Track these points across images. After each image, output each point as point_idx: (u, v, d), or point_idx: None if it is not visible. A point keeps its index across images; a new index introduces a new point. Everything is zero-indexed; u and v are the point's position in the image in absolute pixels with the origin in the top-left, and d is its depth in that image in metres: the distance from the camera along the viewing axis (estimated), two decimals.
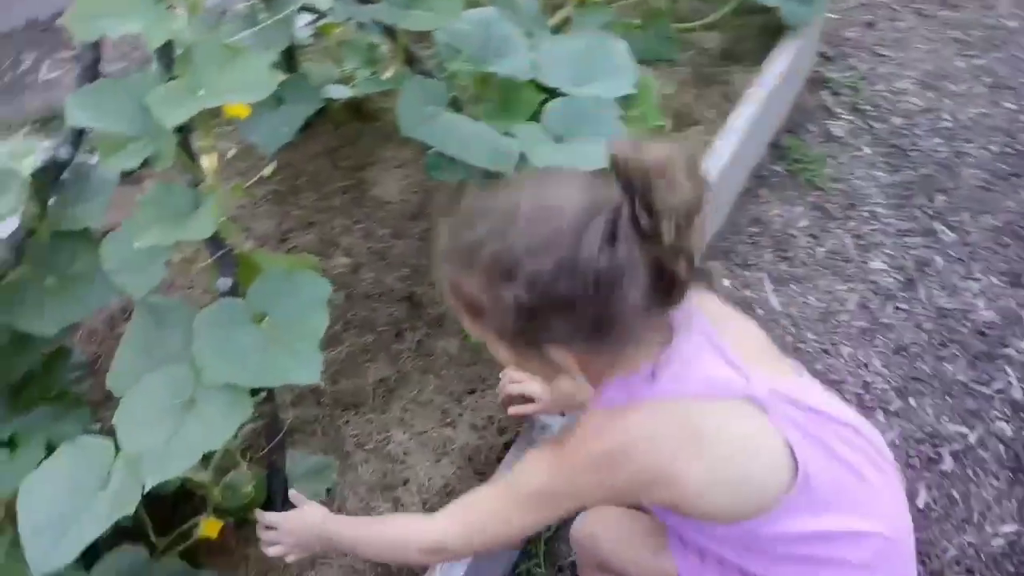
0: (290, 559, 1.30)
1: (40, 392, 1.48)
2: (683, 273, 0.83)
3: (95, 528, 1.10)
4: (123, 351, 1.33)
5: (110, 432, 1.54)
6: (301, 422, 1.67)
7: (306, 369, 1.18)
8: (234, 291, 1.32)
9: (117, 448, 1.17)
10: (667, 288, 0.84)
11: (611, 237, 0.80)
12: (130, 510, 1.09)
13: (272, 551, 1.31)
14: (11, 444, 1.36)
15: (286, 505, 1.52)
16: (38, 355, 1.51)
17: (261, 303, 1.25)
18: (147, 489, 1.10)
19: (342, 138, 2.27)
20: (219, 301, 1.25)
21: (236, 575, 1.45)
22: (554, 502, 0.99)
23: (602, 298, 0.82)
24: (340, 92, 2.01)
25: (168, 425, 1.16)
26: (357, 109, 2.28)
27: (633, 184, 0.79)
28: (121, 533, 1.45)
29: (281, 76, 1.11)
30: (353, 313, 1.88)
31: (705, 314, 0.95)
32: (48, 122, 2.61)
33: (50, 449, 1.37)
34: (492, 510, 1.05)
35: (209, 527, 1.35)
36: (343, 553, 1.42)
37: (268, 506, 1.49)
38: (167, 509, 1.50)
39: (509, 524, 1.03)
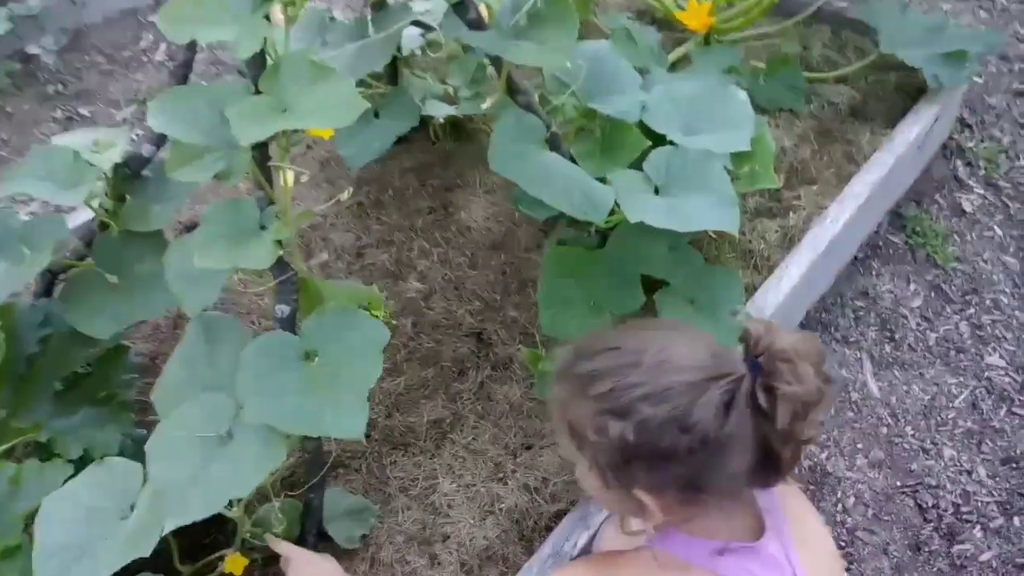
0: None
1: (89, 392, 1.44)
2: (787, 459, 0.86)
3: (109, 564, 1.03)
4: (172, 365, 1.27)
5: None
6: (346, 455, 1.59)
7: (349, 422, 1.09)
8: (291, 320, 1.25)
9: (146, 476, 1.11)
10: (768, 469, 0.87)
11: (727, 405, 0.83)
12: (145, 551, 1.02)
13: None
14: (47, 448, 1.32)
15: (319, 546, 1.44)
16: (93, 351, 1.47)
17: (314, 340, 1.16)
18: (166, 531, 1.02)
19: (435, 155, 2.19)
20: (271, 333, 1.17)
21: None
22: None
23: (703, 460, 0.85)
24: (440, 110, 1.93)
25: (197, 459, 1.09)
26: (455, 127, 2.20)
27: (759, 363, 0.84)
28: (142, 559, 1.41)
29: (366, 104, 1.02)
30: (418, 343, 1.79)
31: (787, 510, 0.96)
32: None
33: (85, 459, 1.33)
34: None
35: (233, 564, 1.28)
36: None
37: (299, 545, 1.41)
38: (198, 532, 1.44)
39: None
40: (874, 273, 2.26)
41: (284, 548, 1.26)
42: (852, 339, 2.10)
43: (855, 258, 2.28)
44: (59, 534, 1.08)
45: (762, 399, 0.83)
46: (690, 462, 0.85)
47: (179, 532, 1.41)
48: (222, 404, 1.16)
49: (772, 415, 0.82)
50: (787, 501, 1.00)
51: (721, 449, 0.84)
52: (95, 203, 1.44)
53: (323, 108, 1.06)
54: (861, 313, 2.17)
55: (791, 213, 2.02)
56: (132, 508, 1.11)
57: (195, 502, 1.05)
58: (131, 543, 1.04)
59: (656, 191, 1.54)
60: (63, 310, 1.37)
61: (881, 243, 2.33)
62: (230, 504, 1.28)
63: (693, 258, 1.71)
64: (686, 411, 0.83)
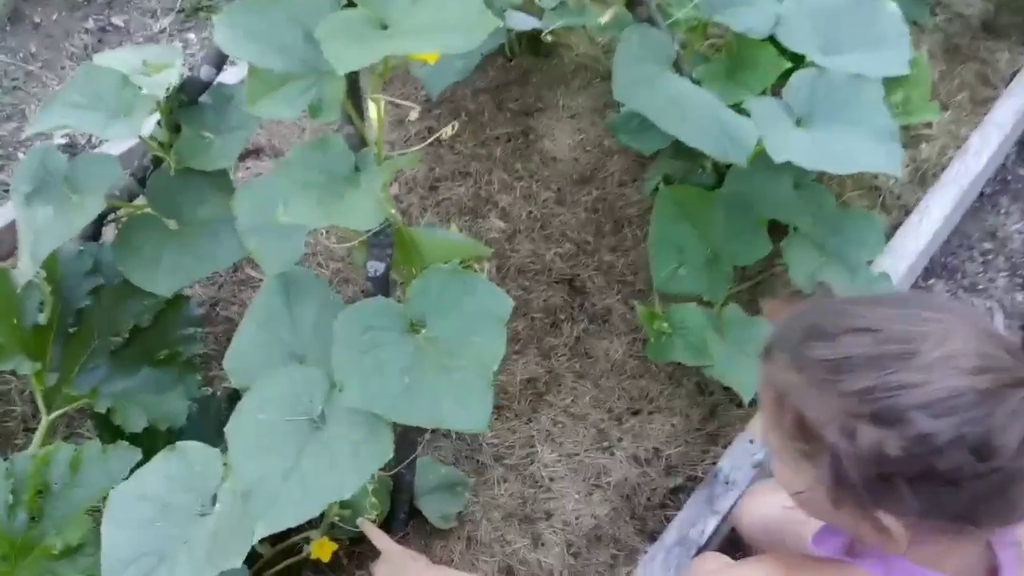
0: None
1: (148, 351, 1.28)
2: None
3: (194, 574, 0.88)
4: (247, 327, 1.10)
5: (224, 395, 1.34)
6: None
7: (471, 412, 0.91)
8: (385, 279, 1.06)
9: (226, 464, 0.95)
10: None
11: (1021, 413, 0.64)
12: (236, 561, 0.86)
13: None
14: (105, 420, 1.16)
15: (410, 524, 1.29)
16: (150, 303, 1.30)
17: (420, 308, 0.97)
18: (255, 539, 0.86)
19: (511, 74, 1.95)
20: (367, 300, 0.98)
21: None
22: None
23: (989, 489, 0.65)
24: (525, 22, 1.67)
25: (289, 451, 0.92)
26: (532, 41, 1.95)
27: None
28: None
29: (497, 22, 0.80)
30: (504, 290, 1.59)
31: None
32: (196, 12, 2.37)
33: (151, 432, 1.18)
34: None
35: (321, 549, 1.13)
36: None
37: (389, 523, 1.26)
38: None
39: None
40: (1002, 211, 2.01)
41: (378, 539, 1.11)
42: (981, 286, 1.88)
43: (981, 194, 2.03)
44: (132, 536, 0.92)
45: None
46: (971, 490, 0.65)
47: None
48: (314, 380, 0.98)
49: None
50: None
51: (1017, 477, 0.65)
52: (145, 134, 1.23)
53: (440, 26, 0.84)
54: (989, 257, 1.93)
55: (922, 144, 1.77)
56: (213, 502, 0.95)
57: (288, 503, 0.89)
58: (220, 551, 0.88)
59: (797, 123, 1.30)
60: (117, 261, 1.19)
61: (1009, 177, 2.07)
62: None
63: (823, 198, 1.49)
64: (984, 430, 0.63)
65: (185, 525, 0.93)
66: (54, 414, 1.23)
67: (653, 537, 1.31)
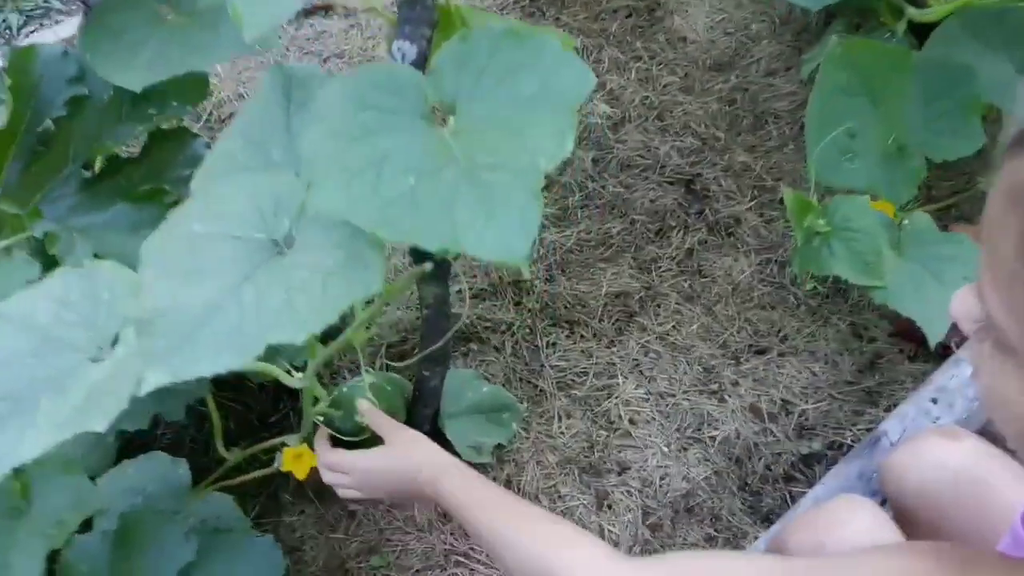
0: (366, 495, 0.73)
1: (129, 183, 0.99)
2: None
3: (42, 437, 0.56)
4: (229, 137, 0.78)
5: None
6: (483, 324, 1.07)
7: (502, 230, 0.55)
8: (418, 67, 0.71)
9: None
10: None
11: None
12: (99, 423, 0.54)
13: (343, 493, 0.73)
14: (43, 249, 0.87)
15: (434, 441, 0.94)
16: (141, 128, 1.01)
17: (450, 85, 0.62)
18: (144, 391, 0.54)
19: None
20: (374, 67, 0.65)
21: (320, 543, 0.90)
22: None
23: None
24: None
25: (229, 276, 0.59)
26: None
27: None
28: (177, 427, 0.96)
29: None
30: (599, 186, 1.23)
31: None
32: None
33: None
34: None
35: (294, 461, 0.80)
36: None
37: None
38: (261, 404, 0.98)
39: None
40: None
41: (375, 419, 0.75)
42: None
43: None
44: None
45: None
46: None
47: (232, 402, 0.96)
48: (284, 187, 0.66)
49: None
50: None
51: None
52: None
53: None
54: None
55: None
56: (115, 343, 0.63)
57: (206, 345, 0.56)
58: (84, 407, 0.56)
59: None
60: (85, 45, 0.90)
61: None
62: (295, 367, 0.79)
63: None
64: None
65: (66, 369, 0.62)
66: (1, 243, 0.95)
67: (769, 520, 0.91)
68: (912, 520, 0.69)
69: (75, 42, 1.22)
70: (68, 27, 1.42)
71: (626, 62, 1.39)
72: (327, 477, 0.74)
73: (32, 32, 1.47)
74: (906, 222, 0.98)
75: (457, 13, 0.76)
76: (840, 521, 0.63)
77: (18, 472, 0.76)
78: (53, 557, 0.67)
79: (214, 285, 0.59)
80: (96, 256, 0.88)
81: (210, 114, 1.30)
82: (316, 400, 0.81)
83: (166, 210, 0.96)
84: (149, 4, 0.94)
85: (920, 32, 1.12)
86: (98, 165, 1.03)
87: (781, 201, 1.20)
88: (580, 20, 1.46)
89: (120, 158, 1.03)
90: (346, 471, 0.72)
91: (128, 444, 0.87)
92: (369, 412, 0.75)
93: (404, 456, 0.69)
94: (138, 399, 0.84)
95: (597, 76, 1.37)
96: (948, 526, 0.65)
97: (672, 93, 1.35)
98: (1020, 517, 0.48)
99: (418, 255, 0.80)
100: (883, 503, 0.75)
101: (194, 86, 1.00)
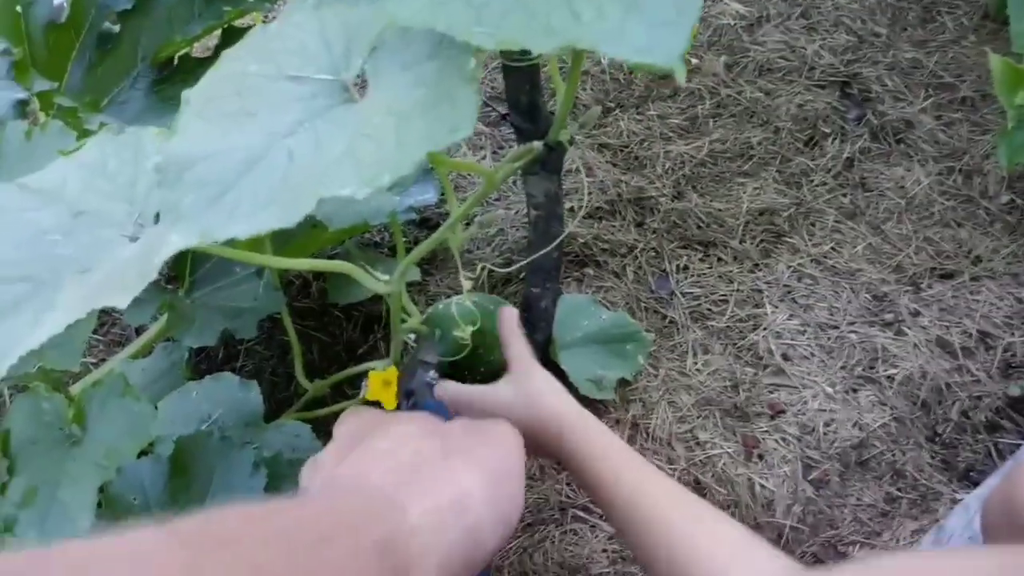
0: None
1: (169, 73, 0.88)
2: None
3: (62, 313, 0.43)
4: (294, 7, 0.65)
5: None
6: (600, 247, 0.91)
7: (648, 22, 0.38)
8: None
9: None
10: None
11: None
12: (120, 301, 0.41)
13: None
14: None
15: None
16: (214, 25, 0.90)
17: None
18: (166, 254, 0.41)
19: None
20: None
21: None
22: None
23: None
24: None
25: (282, 121, 0.45)
26: None
27: None
28: (257, 357, 0.84)
29: None
30: (736, 92, 1.04)
31: None
32: None
33: None
34: None
35: (381, 388, 0.66)
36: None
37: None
38: (354, 329, 0.86)
39: None
40: None
41: (515, 344, 0.59)
42: None
43: None
44: (13, 250, 0.50)
45: None
46: None
47: (315, 331, 0.84)
48: (359, 23, 0.51)
49: None
50: None
51: None
52: None
53: None
54: None
55: None
56: (155, 222, 0.51)
57: (245, 197, 0.42)
58: (105, 281, 0.44)
59: None
60: None
61: None
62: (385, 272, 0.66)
63: None
64: None
65: (96, 247, 0.50)
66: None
67: (968, 477, 0.72)
68: None
69: None
70: None
71: None
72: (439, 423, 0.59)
73: None
74: None
75: None
76: None
77: (71, 398, 0.67)
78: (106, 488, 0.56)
79: (261, 130, 0.45)
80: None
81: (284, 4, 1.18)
82: (406, 316, 0.67)
83: None
84: None
85: None
86: (170, 66, 0.92)
87: (963, 100, 0.99)
88: None
89: (193, 58, 0.93)
90: (462, 409, 0.57)
91: (203, 374, 0.76)
92: (509, 333, 0.60)
93: (538, 402, 0.53)
94: (207, 312, 0.73)
95: None
96: None
97: None
98: None
99: (521, 133, 0.65)
100: None
101: None
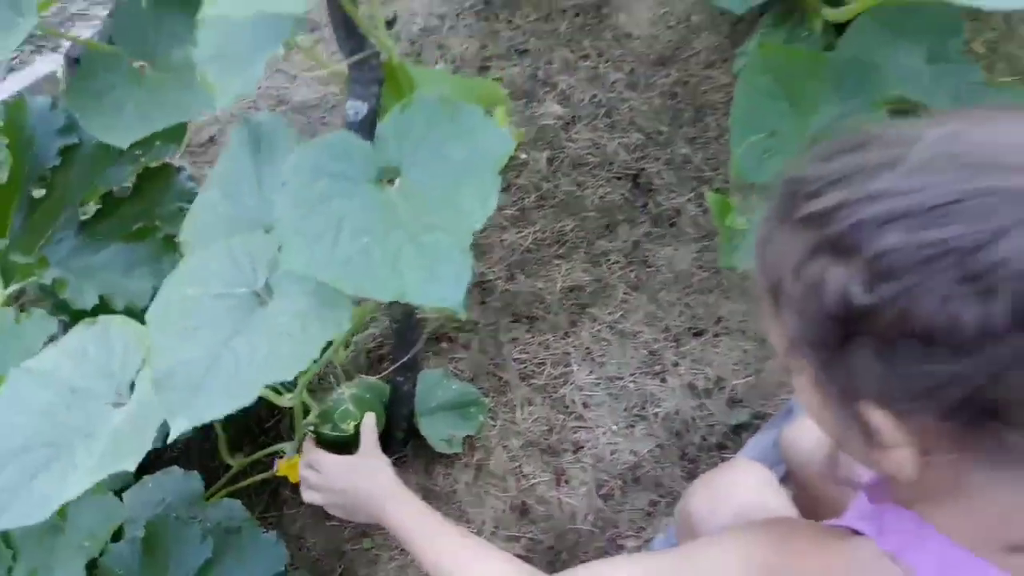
0: (330, 512, 0.87)
1: (122, 223, 1.10)
2: None
3: (82, 477, 0.69)
4: (209, 192, 0.90)
5: None
6: (451, 325, 1.19)
7: (442, 285, 0.67)
8: (369, 123, 0.83)
9: None
10: None
11: None
12: (130, 463, 0.67)
13: (307, 496, 0.87)
14: (54, 293, 0.98)
15: (409, 444, 1.08)
16: (130, 169, 1.12)
17: (395, 150, 0.73)
18: (172, 437, 0.66)
19: None
20: (328, 136, 0.75)
21: (318, 531, 1.04)
22: None
23: (1009, 356, 0.40)
24: None
25: (221, 331, 0.71)
26: None
27: None
28: (187, 439, 1.09)
29: None
30: (553, 186, 1.34)
31: None
32: None
33: (102, 310, 1.00)
34: None
35: (288, 468, 0.93)
36: None
37: (385, 442, 1.05)
38: (257, 414, 1.11)
39: None
40: None
41: (319, 460, 0.87)
42: None
43: None
44: (28, 423, 0.74)
45: None
46: (987, 355, 0.40)
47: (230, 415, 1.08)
48: (259, 246, 0.77)
49: None
50: None
51: None
52: None
53: None
54: None
55: None
56: (132, 389, 0.76)
57: (214, 393, 0.68)
58: (115, 450, 0.69)
59: None
60: (70, 103, 1.01)
61: None
62: (285, 387, 0.92)
63: (967, 73, 1.14)
64: (982, 243, 0.40)
65: (92, 416, 0.74)
66: (12, 288, 1.07)
67: None
68: (802, 485, 0.83)
69: (58, 84, 1.31)
70: (44, 65, 1.50)
71: (575, 61, 1.49)
72: (301, 471, 0.87)
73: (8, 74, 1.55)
74: None
75: (401, 69, 0.86)
76: (731, 488, 0.77)
77: None
78: (93, 564, 0.80)
79: (210, 341, 0.71)
80: (101, 297, 1.00)
81: (190, 141, 1.41)
82: (306, 412, 0.94)
83: (158, 247, 1.10)
84: (124, 61, 1.03)
85: (838, 26, 1.21)
86: (93, 207, 1.14)
87: (717, 191, 1.32)
88: (531, 22, 1.56)
89: (113, 197, 1.14)
90: (318, 468, 0.85)
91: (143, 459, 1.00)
92: (366, 428, 0.88)
93: (367, 472, 0.82)
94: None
95: (548, 77, 1.48)
96: (829, 492, 0.79)
97: (619, 90, 1.45)
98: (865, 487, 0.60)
99: None
100: None
101: (176, 130, 1.11)
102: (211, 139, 1.44)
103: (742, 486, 0.78)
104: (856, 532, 0.53)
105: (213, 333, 0.71)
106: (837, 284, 0.44)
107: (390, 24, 1.58)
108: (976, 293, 0.39)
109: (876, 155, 0.45)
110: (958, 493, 0.48)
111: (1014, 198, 0.40)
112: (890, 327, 0.42)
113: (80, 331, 0.78)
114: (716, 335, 1.17)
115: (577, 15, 1.56)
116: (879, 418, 0.45)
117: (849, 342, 0.45)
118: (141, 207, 1.13)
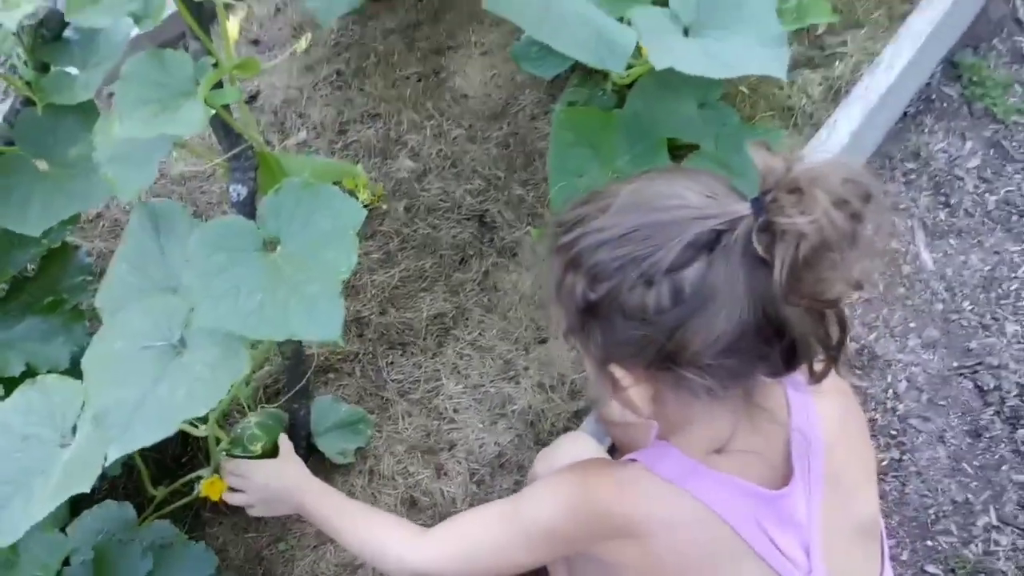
0: (253, 513, 1.09)
1: (32, 299, 1.25)
2: (803, 330, 0.64)
3: (44, 503, 0.86)
4: (117, 265, 1.07)
5: None
6: (336, 358, 1.40)
7: (321, 323, 0.89)
8: (250, 203, 1.03)
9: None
10: (771, 346, 0.65)
11: (708, 248, 0.64)
12: (84, 486, 0.84)
13: (234, 499, 1.08)
14: None
15: (310, 460, 1.28)
16: (34, 254, 1.27)
17: (274, 224, 0.95)
18: (108, 463, 0.84)
19: (421, 12, 1.91)
20: (221, 219, 0.95)
21: (238, 542, 1.22)
22: (560, 544, 0.83)
23: (677, 320, 0.65)
24: None
25: (146, 378, 0.90)
26: None
27: (763, 199, 0.62)
28: (112, 479, 1.24)
29: None
30: (412, 230, 1.57)
31: (821, 419, 0.76)
32: None
33: (29, 375, 1.15)
34: (492, 543, 0.85)
35: (211, 488, 1.11)
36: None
37: None
38: (174, 449, 1.27)
39: (509, 560, 0.86)
40: (926, 130, 1.99)
41: (240, 468, 1.09)
42: (903, 206, 1.86)
43: (904, 114, 2.01)
44: None
45: (758, 242, 0.61)
46: (660, 323, 0.65)
47: (151, 450, 1.25)
48: (172, 307, 0.96)
49: (770, 261, 0.61)
50: (825, 406, 0.77)
51: (702, 307, 0.64)
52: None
53: None
54: (912, 176, 1.92)
55: (836, 63, 1.75)
56: (73, 432, 0.93)
57: (143, 426, 0.87)
58: (69, 478, 0.86)
59: (685, 32, 1.28)
60: None
61: (934, 96, 2.05)
62: (200, 421, 1.10)
63: (727, 116, 1.46)
64: (649, 253, 0.65)
65: (43, 457, 0.91)
66: None
67: None
68: (620, 446, 1.10)
69: None
70: None
71: (421, 121, 1.74)
72: (229, 480, 1.07)
73: None
74: None
75: (272, 157, 1.08)
76: (561, 450, 1.02)
77: None
78: None
79: (138, 384, 0.90)
80: (27, 364, 1.15)
81: (84, 220, 1.55)
82: (218, 441, 1.13)
83: (68, 317, 1.26)
84: (27, 161, 1.19)
85: (629, 84, 1.51)
86: (4, 287, 1.28)
87: (545, 225, 1.59)
88: (380, 88, 1.79)
89: (21, 279, 1.29)
90: (243, 475, 1.05)
91: (75, 500, 1.15)
92: (282, 439, 1.09)
93: (286, 469, 1.03)
94: None
95: (400, 136, 1.71)
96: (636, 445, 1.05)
97: (460, 144, 1.70)
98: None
99: None
100: None
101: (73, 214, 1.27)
102: (98, 215, 1.59)
103: (571, 449, 1.03)
104: (634, 460, 0.79)
105: (140, 378, 0.90)
106: (575, 288, 0.69)
107: (253, 98, 1.78)
108: (647, 285, 0.65)
109: (595, 205, 0.71)
110: (685, 423, 0.75)
111: (663, 227, 0.66)
112: (606, 311, 0.68)
113: (23, 390, 0.95)
114: (557, 339, 1.43)
115: (419, 80, 1.80)
116: (618, 371, 0.71)
117: (589, 325, 0.70)
118: (47, 284, 1.28)
